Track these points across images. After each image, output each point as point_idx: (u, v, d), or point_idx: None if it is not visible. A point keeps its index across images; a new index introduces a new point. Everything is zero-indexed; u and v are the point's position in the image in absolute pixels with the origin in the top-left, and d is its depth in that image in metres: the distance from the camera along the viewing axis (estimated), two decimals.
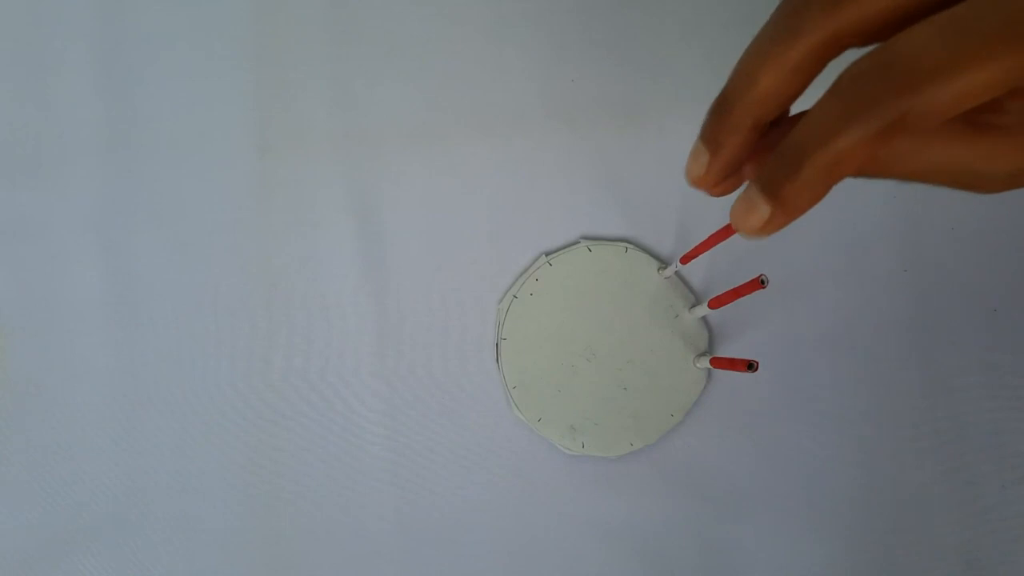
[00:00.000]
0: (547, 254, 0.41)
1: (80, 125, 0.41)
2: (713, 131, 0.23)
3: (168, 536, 0.39)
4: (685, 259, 0.37)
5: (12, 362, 0.40)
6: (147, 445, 0.40)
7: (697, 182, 0.25)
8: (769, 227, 0.22)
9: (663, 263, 0.41)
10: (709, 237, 0.34)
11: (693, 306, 0.40)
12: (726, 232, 0.32)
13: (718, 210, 0.31)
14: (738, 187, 0.25)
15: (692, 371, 0.40)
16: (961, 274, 0.42)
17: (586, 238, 0.42)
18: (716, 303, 0.35)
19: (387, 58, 0.42)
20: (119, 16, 0.42)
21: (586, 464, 0.40)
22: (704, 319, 0.41)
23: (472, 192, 0.42)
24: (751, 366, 0.30)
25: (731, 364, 0.34)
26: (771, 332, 0.41)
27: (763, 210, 0.22)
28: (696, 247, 0.35)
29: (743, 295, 0.32)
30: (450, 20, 0.43)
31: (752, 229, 0.22)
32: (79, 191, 0.41)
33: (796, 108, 0.24)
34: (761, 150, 0.24)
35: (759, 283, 0.30)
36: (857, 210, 0.42)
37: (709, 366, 0.37)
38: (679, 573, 0.40)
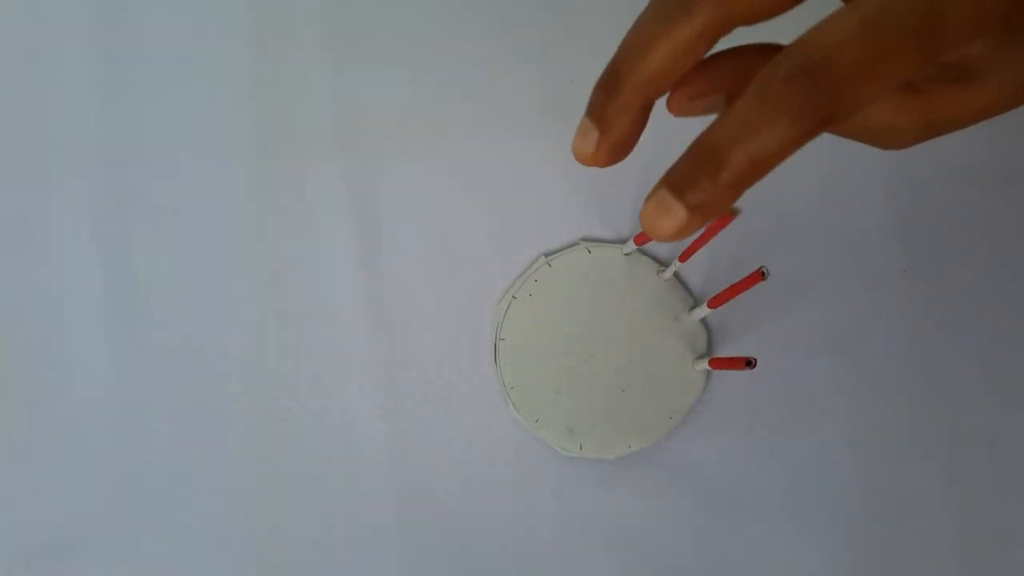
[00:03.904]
0: (546, 255, 0.41)
1: (80, 125, 0.41)
2: (602, 109, 0.23)
3: (168, 537, 0.39)
4: (684, 256, 0.37)
5: (12, 362, 0.40)
6: (146, 445, 0.39)
7: (586, 160, 0.24)
8: (685, 231, 0.21)
9: (662, 265, 0.41)
10: (708, 228, 0.34)
11: (692, 308, 0.40)
12: (720, 224, 0.32)
13: None
14: (624, 157, 0.25)
15: (691, 373, 0.40)
16: (961, 274, 0.41)
17: (585, 239, 0.42)
18: (716, 302, 0.35)
19: (386, 58, 0.43)
20: (119, 16, 0.42)
21: (584, 466, 0.40)
22: (703, 321, 0.41)
23: (471, 192, 0.42)
24: (750, 363, 0.30)
25: (730, 363, 0.34)
26: (770, 333, 0.41)
27: (678, 214, 0.21)
28: (695, 241, 0.35)
29: (744, 290, 0.32)
30: (449, 20, 0.43)
31: (666, 234, 0.22)
32: (79, 191, 0.41)
33: None
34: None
35: (760, 275, 0.30)
36: (857, 210, 0.42)
37: (708, 368, 0.37)
38: (678, 574, 0.39)
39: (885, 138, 0.24)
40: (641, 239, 0.39)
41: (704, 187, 0.21)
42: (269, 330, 0.40)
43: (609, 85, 0.23)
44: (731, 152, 0.20)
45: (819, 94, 0.19)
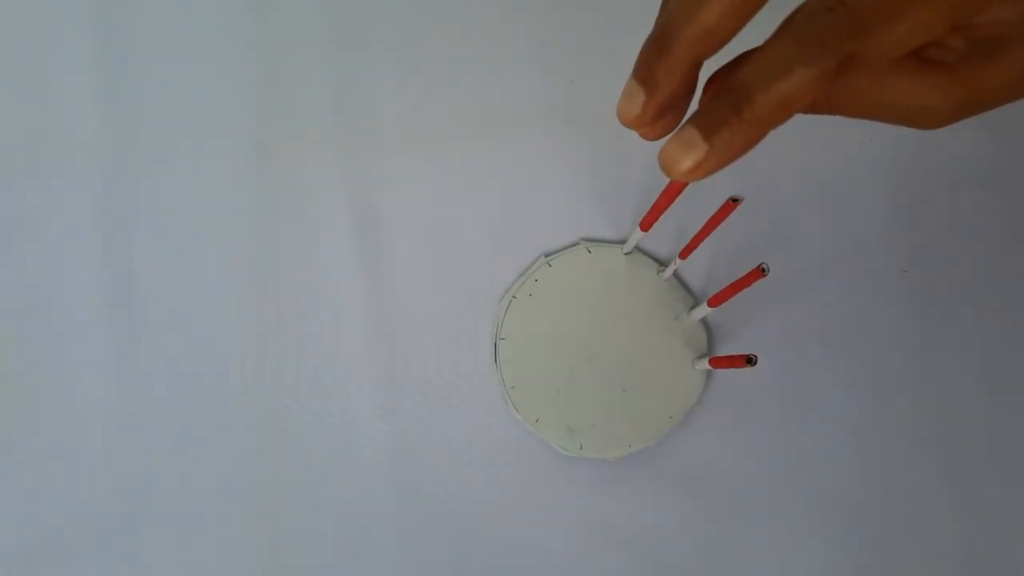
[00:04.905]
0: (546, 255, 0.41)
1: (80, 125, 0.41)
2: (650, 70, 0.23)
3: (168, 537, 0.39)
4: (684, 252, 0.37)
5: (12, 362, 0.40)
6: (146, 445, 0.39)
7: (631, 123, 0.24)
8: (700, 170, 0.22)
9: (662, 265, 0.41)
10: (709, 220, 0.33)
11: (692, 308, 0.40)
12: (723, 213, 0.32)
13: (716, 205, 0.31)
14: (672, 129, 0.24)
15: (691, 373, 0.40)
16: (961, 274, 0.41)
17: (586, 239, 0.42)
18: (716, 300, 0.35)
19: (386, 58, 0.43)
20: (119, 16, 0.42)
21: (584, 466, 0.40)
22: (703, 321, 0.41)
23: (471, 192, 0.42)
24: (750, 360, 0.30)
25: (730, 361, 0.34)
26: (770, 333, 0.41)
27: (699, 149, 0.22)
28: (695, 236, 0.35)
29: (744, 287, 0.32)
30: (449, 20, 0.43)
31: (684, 170, 0.22)
32: (79, 191, 0.41)
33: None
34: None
35: (760, 272, 0.30)
36: (857, 210, 0.42)
37: (708, 367, 0.37)
38: (678, 575, 0.39)
39: (922, 118, 0.24)
40: (646, 222, 0.38)
41: (730, 123, 0.21)
42: (269, 330, 0.40)
43: (659, 45, 0.22)
44: (755, 89, 0.21)
45: (842, 30, 0.20)
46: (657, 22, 0.23)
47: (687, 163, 0.22)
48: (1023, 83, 0.23)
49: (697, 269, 0.41)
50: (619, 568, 0.39)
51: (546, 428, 0.39)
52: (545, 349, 0.40)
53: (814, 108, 0.24)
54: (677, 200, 0.40)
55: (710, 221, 0.33)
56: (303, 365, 0.40)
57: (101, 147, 0.41)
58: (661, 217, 0.41)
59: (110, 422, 0.39)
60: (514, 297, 0.40)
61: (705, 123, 0.21)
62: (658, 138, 0.25)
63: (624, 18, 0.43)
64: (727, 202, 0.31)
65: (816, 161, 0.42)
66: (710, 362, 0.36)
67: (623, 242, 0.41)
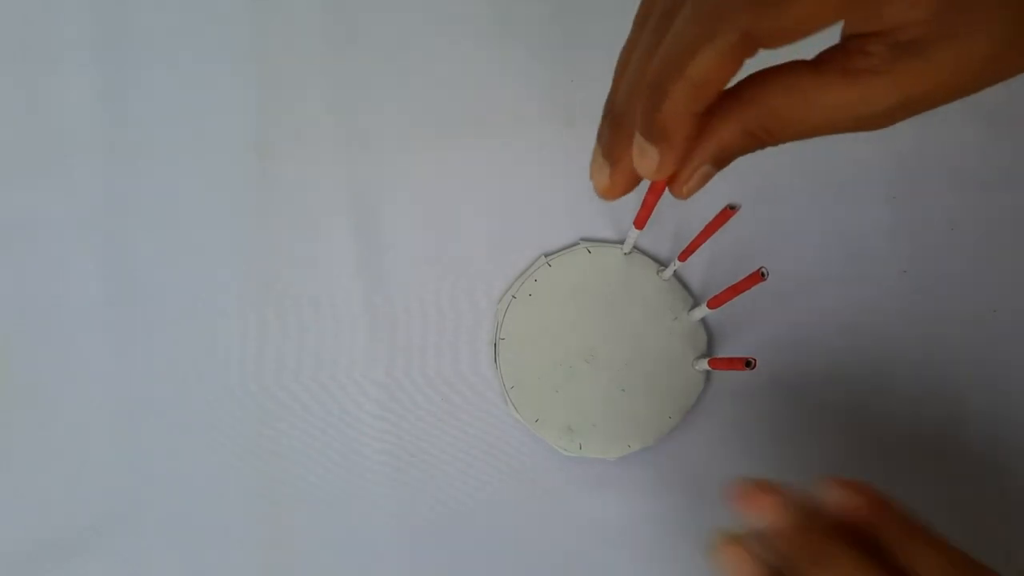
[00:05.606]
0: (546, 255, 0.41)
1: (80, 125, 0.41)
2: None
3: (168, 537, 0.39)
4: (683, 255, 0.37)
5: (12, 363, 0.40)
6: (146, 446, 0.39)
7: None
8: (663, 168, 0.23)
9: (662, 265, 0.41)
10: (706, 226, 0.34)
11: (692, 308, 0.40)
12: (723, 217, 0.32)
13: (714, 206, 0.31)
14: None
15: (691, 373, 0.40)
16: (961, 274, 0.41)
17: (585, 239, 0.42)
18: (716, 302, 0.35)
19: (386, 58, 0.43)
20: (119, 17, 0.42)
21: (584, 465, 0.40)
22: (703, 321, 0.41)
23: (471, 193, 0.42)
24: (749, 363, 0.30)
25: (729, 363, 0.34)
26: (770, 333, 0.41)
27: (651, 151, 0.23)
28: (695, 239, 0.35)
29: (743, 290, 0.32)
30: (449, 21, 0.43)
31: (650, 172, 0.23)
32: (79, 191, 0.41)
33: None
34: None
35: (759, 276, 0.30)
36: (857, 210, 0.42)
37: (708, 368, 0.37)
38: (677, 574, 0.39)
39: (861, 126, 0.24)
40: (639, 220, 0.38)
41: (657, 119, 0.22)
42: (269, 330, 0.40)
43: (652, 97, 0.23)
44: (665, 81, 0.21)
45: (738, 7, 0.20)
46: (653, 80, 0.23)
47: (650, 166, 0.23)
48: (957, 82, 0.23)
49: (697, 269, 0.41)
50: (619, 568, 0.39)
51: (546, 428, 0.39)
52: (545, 349, 0.40)
53: (754, 143, 0.25)
54: (677, 201, 0.40)
55: (708, 227, 0.33)
56: (303, 365, 0.40)
57: (101, 147, 0.41)
58: (661, 217, 0.42)
59: (110, 422, 0.40)
60: (514, 297, 0.41)
61: (642, 126, 0.23)
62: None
63: (624, 18, 0.42)
64: (724, 209, 0.31)
65: (815, 161, 0.42)
66: (709, 363, 0.36)
67: (623, 242, 0.41)
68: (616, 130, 0.25)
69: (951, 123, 0.42)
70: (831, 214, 0.42)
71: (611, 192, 0.26)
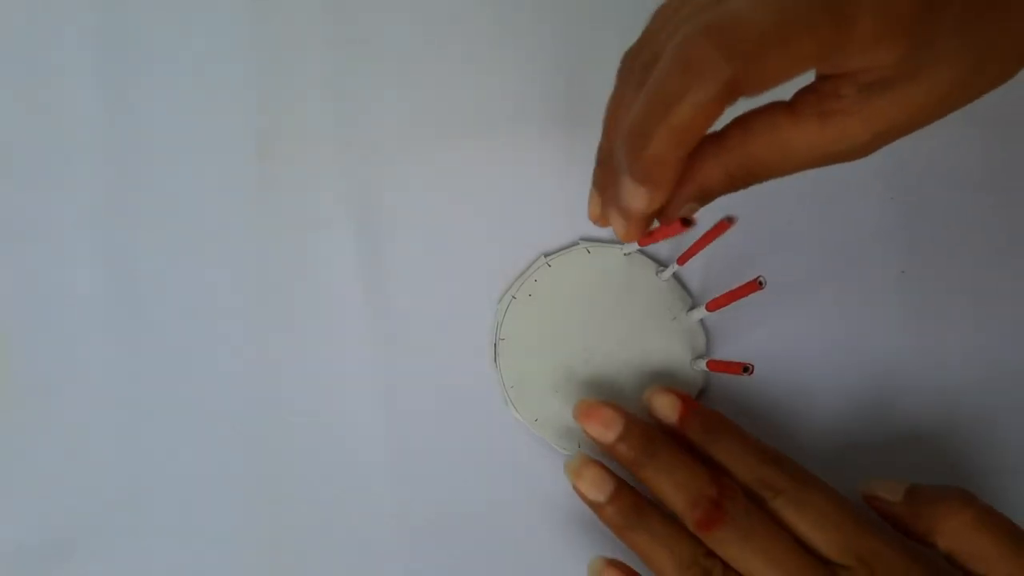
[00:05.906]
0: (546, 255, 0.41)
1: (80, 125, 0.41)
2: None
3: (168, 536, 0.39)
4: (682, 259, 0.37)
5: (12, 363, 0.40)
6: (146, 446, 0.40)
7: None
8: (653, 204, 0.25)
9: (662, 265, 0.41)
10: (704, 235, 0.34)
11: (691, 308, 0.40)
12: (720, 228, 0.32)
13: (715, 210, 0.31)
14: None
15: (689, 373, 0.40)
16: (961, 274, 0.42)
17: (585, 239, 0.42)
18: (714, 305, 0.35)
19: (386, 59, 0.43)
20: (119, 17, 0.42)
21: None
22: (702, 321, 0.41)
23: (471, 193, 0.42)
24: (747, 369, 0.30)
25: (727, 367, 0.34)
26: (769, 334, 0.41)
27: (638, 192, 0.24)
28: (692, 246, 0.35)
29: (741, 297, 0.32)
30: (449, 21, 0.43)
31: (639, 212, 0.25)
32: (79, 191, 0.41)
33: None
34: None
35: (757, 284, 0.30)
36: (856, 211, 0.42)
37: (706, 369, 0.37)
38: None
39: (845, 155, 0.26)
40: (644, 240, 0.38)
41: (641, 166, 0.23)
42: (269, 330, 0.40)
43: (637, 143, 0.24)
44: (648, 130, 0.22)
45: (722, 53, 0.21)
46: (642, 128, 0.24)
47: (638, 205, 0.24)
48: (927, 113, 0.24)
49: (696, 269, 0.42)
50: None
51: (545, 428, 0.40)
52: (544, 349, 0.40)
53: (737, 184, 0.26)
54: None
55: (705, 236, 0.33)
56: (303, 365, 0.40)
57: (101, 147, 0.41)
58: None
59: (109, 422, 0.40)
60: (514, 297, 0.41)
61: (628, 166, 0.24)
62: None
63: (624, 18, 0.42)
64: (721, 221, 0.31)
65: None
66: (708, 365, 0.36)
67: (622, 243, 0.41)
68: (607, 174, 0.28)
69: (950, 123, 0.41)
70: (829, 213, 0.42)
71: (605, 223, 0.29)
